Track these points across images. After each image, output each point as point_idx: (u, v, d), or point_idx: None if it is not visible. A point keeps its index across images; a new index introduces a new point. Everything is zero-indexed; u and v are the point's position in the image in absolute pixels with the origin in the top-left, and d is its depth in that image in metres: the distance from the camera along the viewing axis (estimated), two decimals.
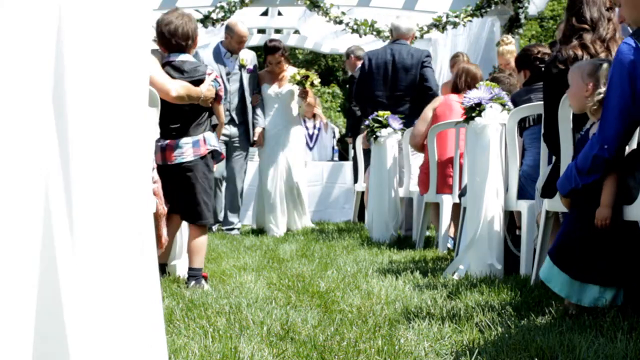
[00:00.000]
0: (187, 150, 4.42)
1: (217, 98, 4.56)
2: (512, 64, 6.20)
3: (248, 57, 8.08)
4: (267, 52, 8.12)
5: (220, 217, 8.18)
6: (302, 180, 8.26)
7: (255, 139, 8.08)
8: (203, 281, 4.36)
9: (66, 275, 1.30)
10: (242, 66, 8.01)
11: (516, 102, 4.99)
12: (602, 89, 3.38)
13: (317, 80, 8.05)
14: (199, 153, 4.44)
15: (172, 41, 4.45)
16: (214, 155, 4.54)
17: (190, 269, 4.44)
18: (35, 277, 1.26)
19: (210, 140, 4.50)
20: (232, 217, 8.14)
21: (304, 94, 8.05)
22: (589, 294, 3.31)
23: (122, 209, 1.35)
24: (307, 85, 7.97)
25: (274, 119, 8.19)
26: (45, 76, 1.25)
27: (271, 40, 8.33)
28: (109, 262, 1.34)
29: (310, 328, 3.03)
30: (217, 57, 7.93)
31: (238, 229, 8.14)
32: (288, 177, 8.10)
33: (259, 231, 8.19)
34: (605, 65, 3.43)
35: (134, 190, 1.37)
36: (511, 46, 7.77)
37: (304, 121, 10.67)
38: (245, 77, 8.00)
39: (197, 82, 4.46)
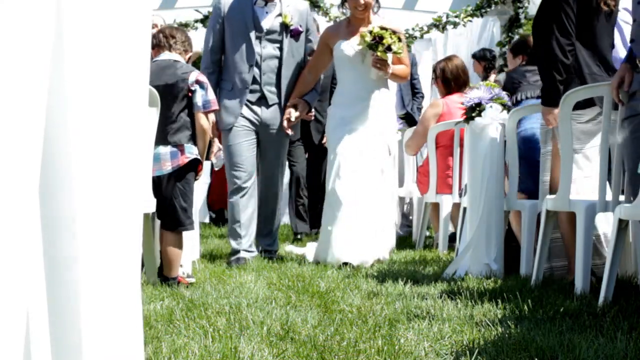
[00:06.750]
0: (165, 163, 4.25)
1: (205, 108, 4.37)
2: None
3: (295, 12, 5.52)
4: None
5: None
6: (388, 182, 5.63)
7: (288, 117, 5.49)
8: (182, 289, 4.11)
9: (65, 275, 1.30)
10: (285, 25, 5.48)
11: (512, 77, 5.36)
12: None
13: (396, 45, 5.30)
14: (178, 164, 4.28)
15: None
16: (193, 165, 4.35)
17: (165, 278, 4.21)
18: (33, 277, 1.26)
19: (190, 150, 4.33)
20: (266, 241, 5.71)
21: (379, 63, 5.36)
22: None
23: (121, 208, 1.35)
24: (379, 51, 5.30)
25: (350, 88, 5.53)
26: (45, 76, 1.25)
27: None
28: (112, 261, 1.34)
29: (310, 328, 3.03)
30: (245, 4, 5.45)
31: (275, 253, 5.73)
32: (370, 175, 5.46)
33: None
34: None
35: (132, 189, 1.37)
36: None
37: None
38: (287, 42, 5.48)
39: (171, 87, 4.33)
